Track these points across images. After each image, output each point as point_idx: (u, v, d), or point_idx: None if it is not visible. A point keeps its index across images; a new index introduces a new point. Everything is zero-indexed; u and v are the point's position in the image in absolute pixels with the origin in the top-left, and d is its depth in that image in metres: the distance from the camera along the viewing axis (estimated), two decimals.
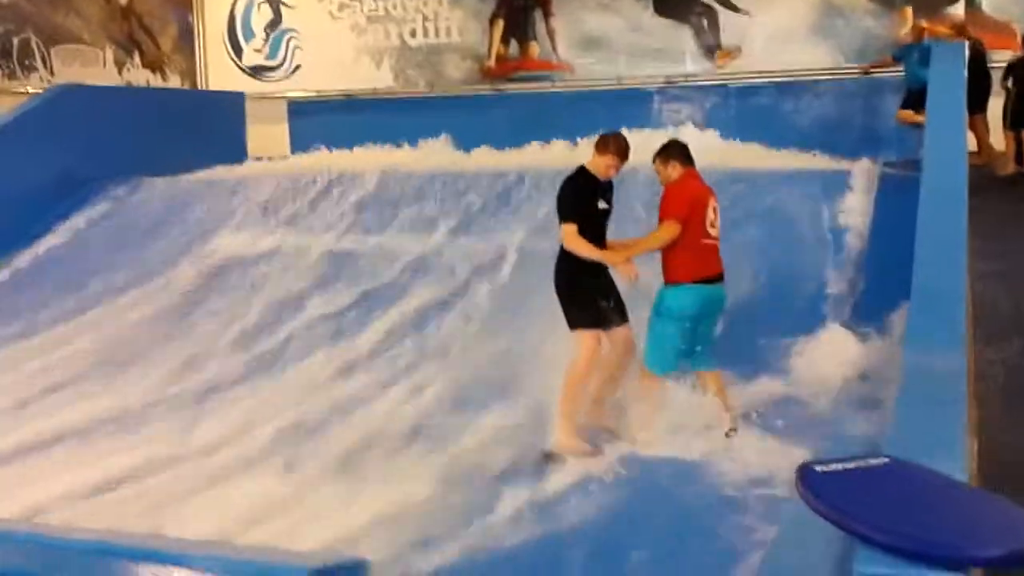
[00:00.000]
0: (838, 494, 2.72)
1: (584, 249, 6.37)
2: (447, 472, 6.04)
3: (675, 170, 6.39)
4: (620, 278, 6.51)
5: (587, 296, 6.45)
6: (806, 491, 2.76)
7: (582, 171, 6.57)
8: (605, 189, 6.58)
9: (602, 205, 6.53)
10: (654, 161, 6.48)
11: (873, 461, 2.90)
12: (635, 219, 8.29)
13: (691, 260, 6.29)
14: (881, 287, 7.91)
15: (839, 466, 2.84)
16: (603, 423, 6.61)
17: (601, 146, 6.51)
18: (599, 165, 6.51)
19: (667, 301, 6.32)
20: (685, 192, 6.35)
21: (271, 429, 6.97)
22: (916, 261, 6.38)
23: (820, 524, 2.71)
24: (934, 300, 5.94)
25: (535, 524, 5.43)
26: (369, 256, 10.30)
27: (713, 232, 6.38)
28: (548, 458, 6.22)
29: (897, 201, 8.70)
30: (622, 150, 6.48)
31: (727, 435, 6.23)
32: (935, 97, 9.01)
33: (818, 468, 2.83)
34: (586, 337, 6.38)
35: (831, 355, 7.19)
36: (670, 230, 6.26)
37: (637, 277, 6.31)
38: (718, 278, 6.43)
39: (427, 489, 5.82)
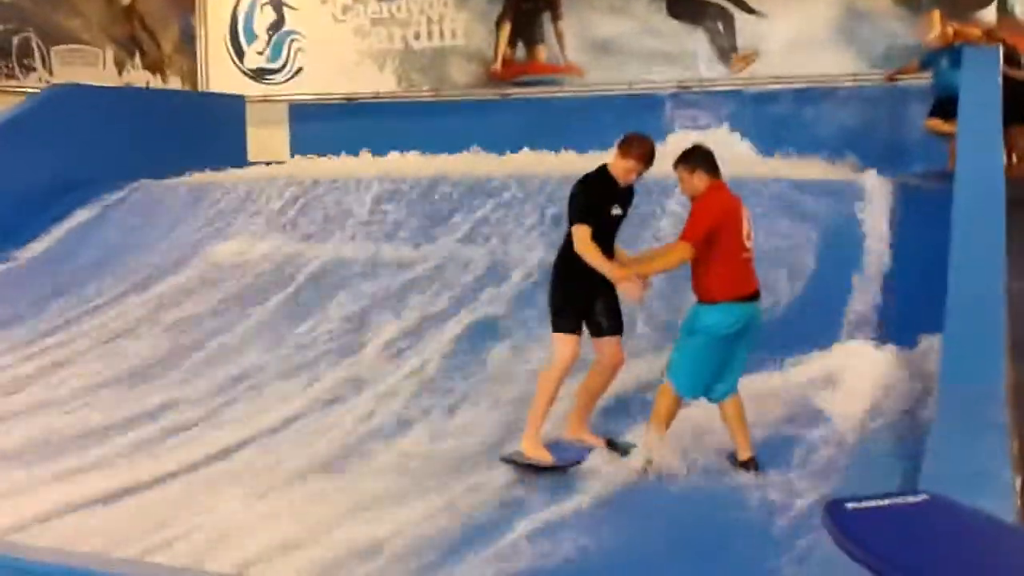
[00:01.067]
0: (871, 534, 2.45)
1: (594, 257, 5.99)
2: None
3: (701, 180, 5.87)
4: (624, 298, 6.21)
5: (575, 302, 6.17)
6: (835, 530, 2.48)
7: (602, 171, 6.18)
8: (623, 194, 6.21)
9: (616, 211, 6.16)
10: (676, 167, 5.96)
11: (911, 498, 2.62)
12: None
13: (729, 276, 5.82)
14: (908, 305, 7.64)
15: (872, 503, 2.56)
16: (584, 438, 6.34)
17: (624, 148, 6.10)
18: (619, 168, 6.11)
19: (704, 319, 5.84)
20: (714, 208, 5.84)
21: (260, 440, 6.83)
22: (951, 281, 6.19)
23: (850, 566, 2.44)
24: (971, 321, 5.80)
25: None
26: (370, 263, 10.12)
27: (749, 245, 5.94)
28: (507, 462, 6.06)
29: (922, 215, 8.49)
30: (646, 155, 6.07)
31: (745, 466, 5.85)
32: (968, 106, 8.57)
33: (849, 505, 2.55)
34: (565, 341, 6.13)
35: (856, 377, 6.81)
36: (681, 253, 5.84)
37: (642, 301, 6.05)
38: (755, 295, 5.98)
39: None
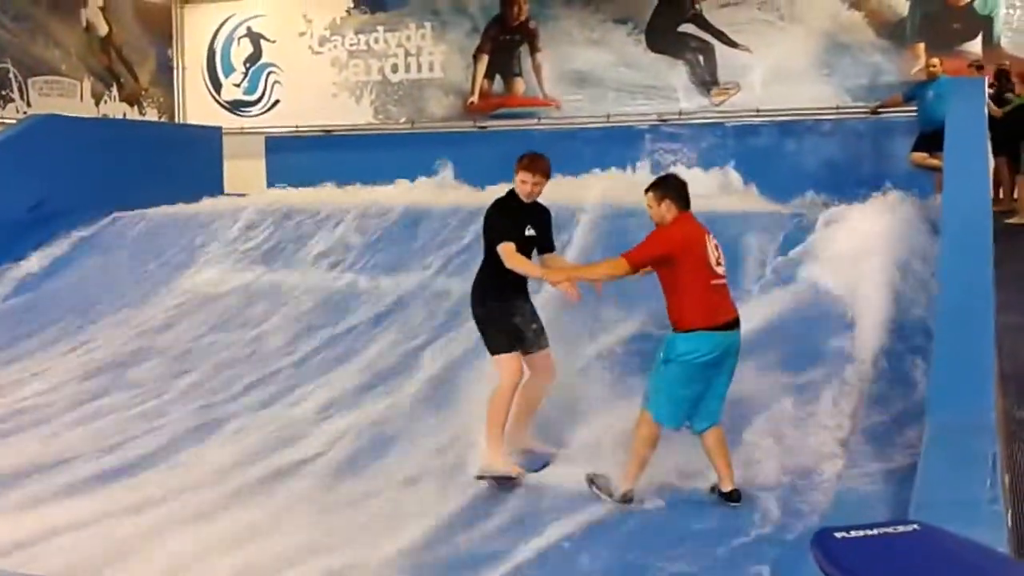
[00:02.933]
0: (860, 563, 2.46)
1: (524, 266, 6.28)
2: None
3: (669, 211, 5.79)
4: (563, 299, 6.32)
5: (502, 320, 6.37)
6: (824, 559, 2.48)
7: (511, 193, 6.41)
8: (532, 213, 6.41)
9: (529, 231, 6.36)
10: (647, 192, 5.92)
11: (901, 528, 2.61)
12: None
13: (702, 304, 5.68)
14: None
15: (861, 532, 2.55)
16: (526, 445, 6.56)
17: (516, 163, 6.33)
18: (516, 184, 6.35)
19: (679, 347, 5.68)
20: (670, 236, 5.77)
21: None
22: (939, 314, 6.24)
23: None
24: (960, 355, 5.77)
25: None
26: (346, 293, 10.08)
27: (720, 270, 5.81)
28: (480, 480, 6.22)
29: None
30: (532, 165, 6.27)
31: (729, 497, 5.72)
32: (954, 138, 8.49)
33: (837, 534, 2.54)
34: (506, 361, 6.31)
35: (839, 410, 6.66)
36: (616, 267, 5.81)
37: (578, 298, 6.06)
38: (735, 323, 5.84)
39: None
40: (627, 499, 5.73)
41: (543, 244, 6.52)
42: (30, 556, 5.40)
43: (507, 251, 6.22)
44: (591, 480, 5.97)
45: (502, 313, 6.37)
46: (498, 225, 6.31)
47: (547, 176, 6.36)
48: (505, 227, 6.27)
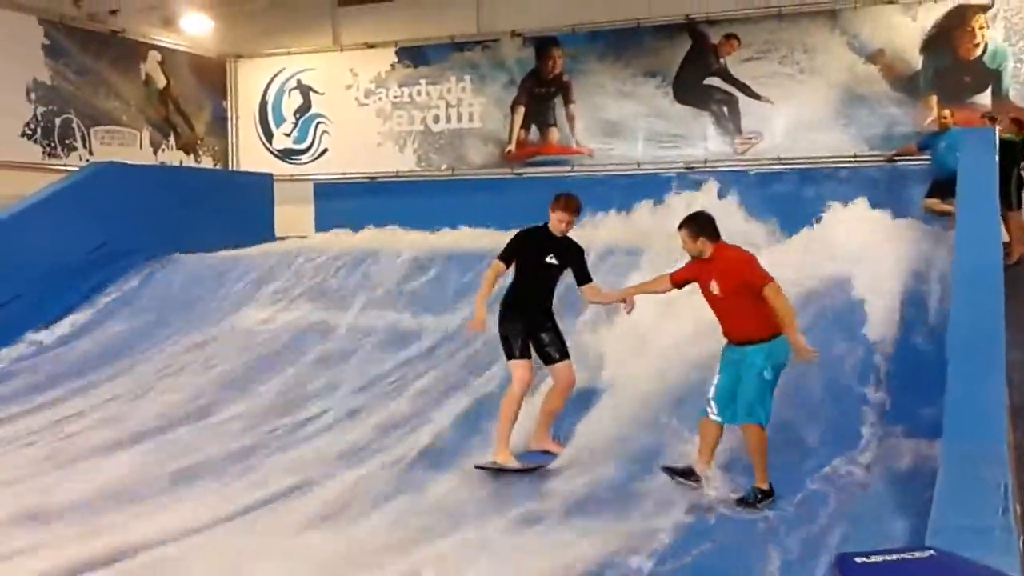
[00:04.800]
0: None
1: (482, 286, 7.15)
2: None
3: (706, 246, 6.45)
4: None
5: (515, 332, 7.15)
6: None
7: (542, 226, 7.25)
8: (559, 246, 7.21)
9: (551, 260, 7.20)
10: (680, 229, 6.52)
11: (917, 553, 2.73)
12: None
13: (771, 313, 6.32)
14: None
15: (880, 557, 2.68)
16: (544, 445, 7.35)
17: (552, 202, 7.18)
18: (551, 220, 7.18)
19: (779, 354, 6.31)
20: (751, 256, 6.46)
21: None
22: (951, 351, 6.39)
23: None
24: (973, 388, 5.96)
25: None
26: (389, 332, 10.50)
27: None
28: (482, 468, 6.95)
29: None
30: (565, 204, 7.13)
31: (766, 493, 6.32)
32: (966, 186, 8.74)
33: (857, 559, 2.67)
34: (517, 366, 7.11)
35: (857, 444, 7.00)
36: (779, 292, 6.26)
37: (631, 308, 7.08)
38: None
39: None
40: (770, 494, 6.27)
41: (579, 276, 7.31)
42: None
43: (491, 266, 7.17)
44: (672, 471, 6.58)
45: (517, 326, 7.16)
46: (506, 246, 7.21)
47: (578, 213, 7.23)
48: (508, 248, 7.19)
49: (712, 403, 6.51)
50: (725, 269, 6.38)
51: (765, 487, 6.30)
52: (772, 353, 6.28)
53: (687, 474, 6.55)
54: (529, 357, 7.17)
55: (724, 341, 6.57)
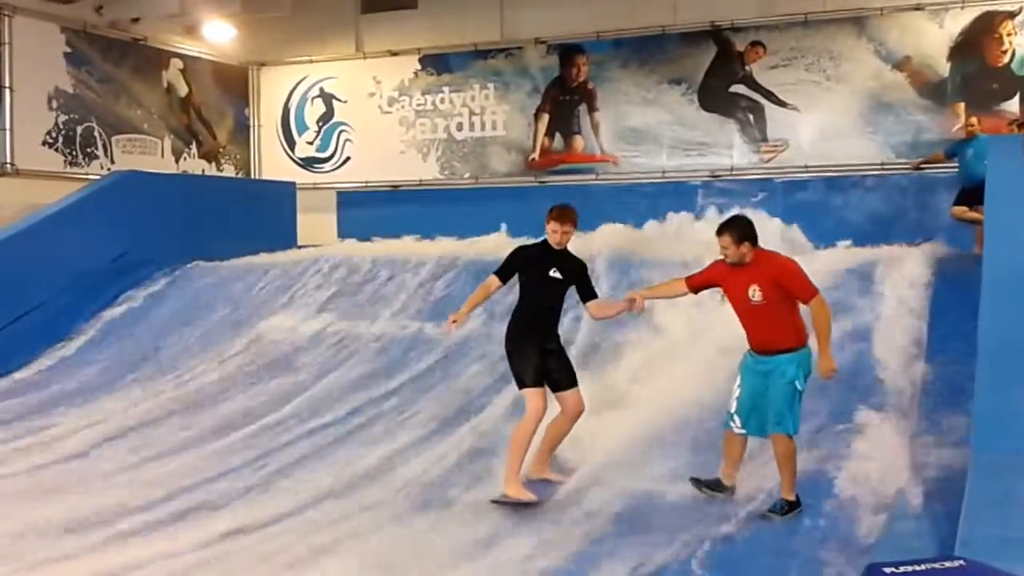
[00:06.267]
0: None
1: (471, 298, 6.96)
2: None
3: (749, 251, 6.29)
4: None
5: (526, 360, 6.80)
6: None
7: (541, 241, 6.97)
8: (560, 258, 6.90)
9: (554, 274, 6.85)
10: (719, 234, 6.33)
11: (947, 563, 2.72)
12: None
13: (802, 324, 6.27)
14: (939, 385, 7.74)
15: (909, 567, 2.67)
16: (544, 475, 7.03)
17: (547, 214, 6.87)
18: (548, 233, 6.88)
19: (808, 364, 6.25)
20: (797, 264, 6.34)
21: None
22: (980, 360, 6.39)
23: None
24: (1001, 399, 6.01)
25: None
26: (411, 341, 10.49)
27: None
28: (497, 503, 6.58)
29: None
30: (561, 215, 6.81)
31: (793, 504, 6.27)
32: (995, 193, 8.71)
33: (887, 569, 2.66)
34: (531, 394, 6.75)
35: (888, 454, 6.92)
36: (822, 304, 6.21)
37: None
38: None
39: None
40: (797, 505, 6.18)
41: (583, 293, 6.99)
42: None
43: (485, 281, 6.94)
44: (700, 483, 6.50)
45: (528, 350, 6.81)
46: (504, 262, 6.95)
47: (575, 225, 6.89)
48: (506, 264, 6.92)
49: (735, 416, 6.41)
50: (770, 276, 6.23)
51: (792, 498, 6.21)
52: (803, 363, 6.22)
53: (715, 486, 6.49)
54: (543, 384, 6.85)
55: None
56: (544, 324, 6.94)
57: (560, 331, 7.18)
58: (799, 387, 6.19)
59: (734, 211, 11.82)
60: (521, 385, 6.82)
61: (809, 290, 6.19)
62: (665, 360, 8.65)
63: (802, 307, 6.30)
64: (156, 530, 6.54)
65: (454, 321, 6.91)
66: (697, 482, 6.52)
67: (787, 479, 6.22)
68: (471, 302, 6.96)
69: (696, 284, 6.66)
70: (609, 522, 6.35)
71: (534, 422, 6.70)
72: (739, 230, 6.27)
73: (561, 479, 7.02)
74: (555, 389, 6.93)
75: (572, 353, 7.77)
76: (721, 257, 6.43)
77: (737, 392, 6.42)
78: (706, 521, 6.19)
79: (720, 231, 6.33)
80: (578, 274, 6.97)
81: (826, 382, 6.55)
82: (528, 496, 6.61)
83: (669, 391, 7.97)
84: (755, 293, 6.25)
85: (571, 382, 6.98)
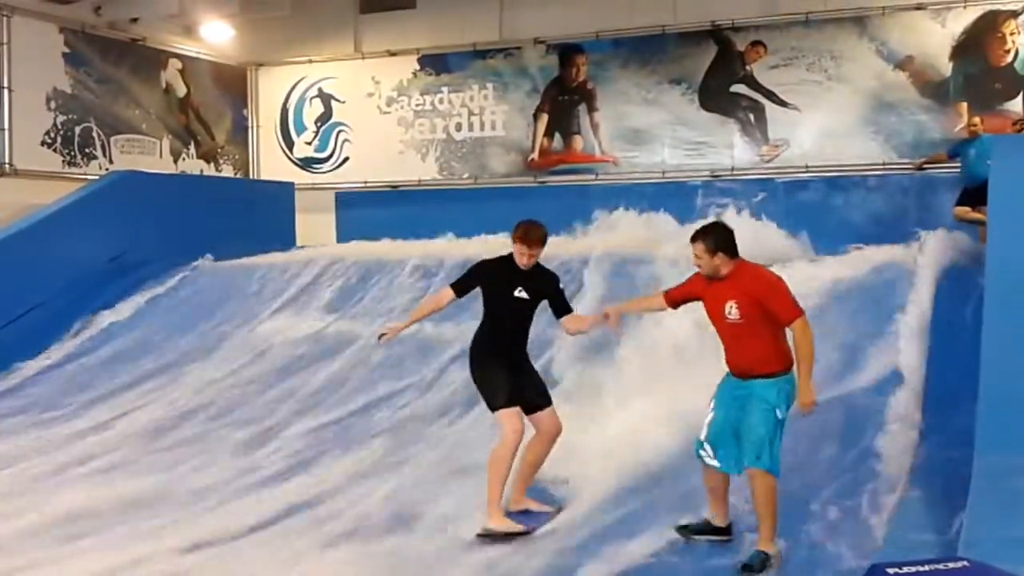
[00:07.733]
0: None
1: (413, 312, 6.82)
2: None
3: (724, 264, 5.63)
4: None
5: (496, 379, 6.34)
6: None
7: (506, 256, 6.47)
8: (528, 278, 6.41)
9: (520, 294, 6.37)
10: (693, 242, 5.68)
11: (950, 564, 2.69)
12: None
13: (787, 347, 5.63)
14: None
15: (912, 568, 2.63)
16: (528, 506, 6.58)
17: (512, 232, 6.39)
18: (514, 253, 6.40)
19: (791, 391, 5.55)
20: (781, 280, 5.69)
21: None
22: (984, 362, 6.36)
23: None
24: (1006, 400, 6.00)
25: None
26: (409, 343, 10.22)
27: None
28: (483, 537, 6.17)
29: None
30: (525, 236, 6.31)
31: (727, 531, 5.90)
32: (997, 193, 8.58)
33: (890, 570, 2.63)
34: (507, 416, 6.28)
35: (892, 454, 6.84)
36: (806, 326, 5.52)
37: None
38: None
39: None
40: (772, 563, 5.45)
41: (557, 308, 6.51)
42: None
43: (440, 291, 6.67)
44: (687, 530, 5.90)
45: (497, 370, 6.32)
46: (464, 275, 6.55)
47: (543, 245, 6.34)
48: (465, 277, 6.50)
49: (707, 446, 5.73)
50: (749, 292, 5.55)
51: (771, 550, 5.48)
52: (785, 389, 5.53)
53: (706, 530, 5.91)
54: (517, 404, 6.31)
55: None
56: (511, 344, 6.46)
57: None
58: (779, 416, 5.50)
59: (734, 211, 11.93)
60: (493, 408, 6.32)
61: (791, 310, 5.49)
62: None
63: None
64: (150, 535, 6.47)
65: (383, 335, 6.55)
66: (684, 530, 5.93)
67: (766, 525, 5.48)
68: (415, 315, 6.67)
69: (674, 298, 6.03)
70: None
71: (513, 445, 6.21)
72: (714, 238, 5.59)
73: (546, 508, 6.59)
74: (528, 411, 6.42)
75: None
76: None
77: (709, 416, 5.75)
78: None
79: (694, 238, 5.66)
80: (550, 291, 6.49)
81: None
82: (515, 527, 6.23)
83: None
84: (732, 310, 5.60)
85: (545, 400, 6.51)
